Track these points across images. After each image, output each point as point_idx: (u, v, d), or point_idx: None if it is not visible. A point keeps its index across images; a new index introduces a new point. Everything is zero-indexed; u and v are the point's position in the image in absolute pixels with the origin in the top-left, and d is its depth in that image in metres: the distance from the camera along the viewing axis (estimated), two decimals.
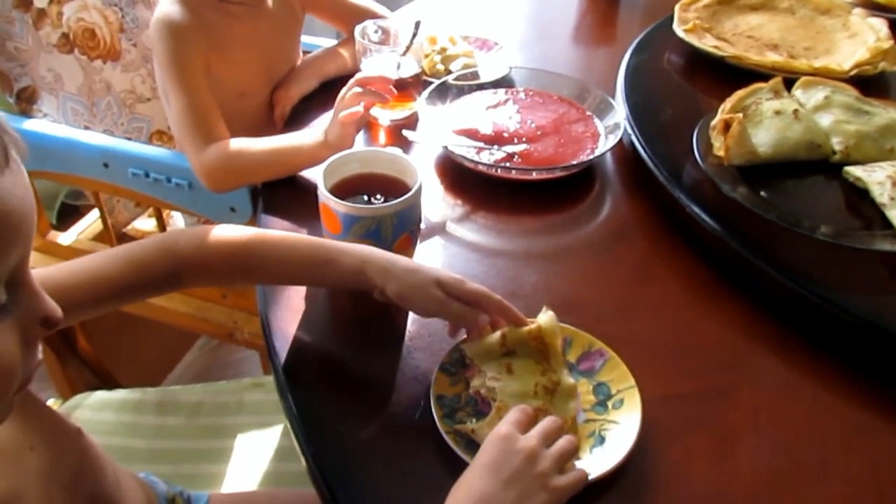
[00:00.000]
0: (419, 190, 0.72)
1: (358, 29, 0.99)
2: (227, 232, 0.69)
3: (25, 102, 1.13)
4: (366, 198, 0.74)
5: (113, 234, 1.21)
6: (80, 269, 0.64)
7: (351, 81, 0.88)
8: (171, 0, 0.97)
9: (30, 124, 1.12)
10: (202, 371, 1.72)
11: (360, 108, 0.85)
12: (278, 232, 0.70)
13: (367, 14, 1.13)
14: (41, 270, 0.60)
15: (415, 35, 0.96)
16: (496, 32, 1.22)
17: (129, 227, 1.33)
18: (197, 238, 0.68)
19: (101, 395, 1.02)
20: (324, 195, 0.70)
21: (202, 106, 0.94)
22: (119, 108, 1.26)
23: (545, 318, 0.64)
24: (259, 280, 0.73)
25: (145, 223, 1.32)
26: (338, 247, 0.66)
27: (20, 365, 0.43)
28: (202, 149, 0.92)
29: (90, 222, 1.33)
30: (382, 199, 0.73)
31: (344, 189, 0.74)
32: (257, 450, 0.96)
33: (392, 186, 0.75)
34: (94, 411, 1.00)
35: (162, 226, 1.17)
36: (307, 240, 0.68)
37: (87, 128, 1.23)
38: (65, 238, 1.28)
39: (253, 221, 1.01)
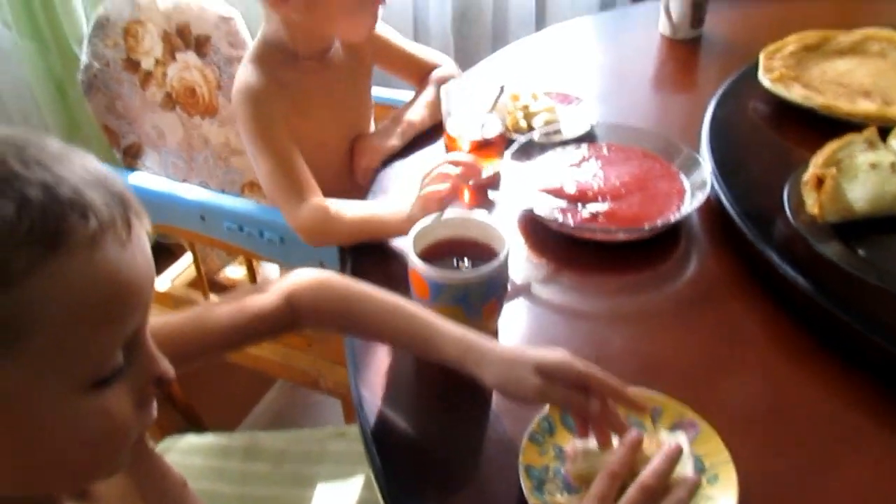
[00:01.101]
0: (506, 257, 0.73)
1: (443, 89, 1.02)
2: (341, 285, 0.73)
3: (131, 158, 1.20)
4: (454, 262, 0.76)
5: (206, 282, 1.27)
6: (195, 319, 0.68)
7: (440, 160, 0.91)
8: (249, 66, 1.03)
9: (134, 178, 1.19)
10: (280, 412, 1.76)
11: (445, 188, 0.87)
12: (383, 293, 0.71)
13: (431, 67, 1.20)
14: (156, 319, 0.63)
15: (499, 98, 0.98)
16: (577, 85, 1.23)
17: (221, 274, 1.38)
18: (314, 290, 0.72)
19: (190, 440, 1.06)
20: (413, 262, 0.72)
21: (290, 165, 0.98)
22: (215, 161, 1.32)
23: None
24: (360, 335, 0.76)
25: (236, 271, 1.38)
26: (438, 328, 0.67)
27: (135, 423, 0.46)
28: (296, 207, 0.96)
29: (183, 267, 1.40)
30: (470, 264, 0.75)
31: (432, 253, 0.76)
32: (339, 500, 0.98)
33: (479, 250, 0.76)
34: (184, 455, 1.04)
35: (252, 275, 1.22)
36: (409, 310, 0.70)
37: (185, 180, 1.29)
38: (159, 284, 1.34)
39: None
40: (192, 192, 1.14)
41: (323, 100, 1.09)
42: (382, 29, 1.16)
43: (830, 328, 0.75)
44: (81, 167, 0.44)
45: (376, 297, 0.71)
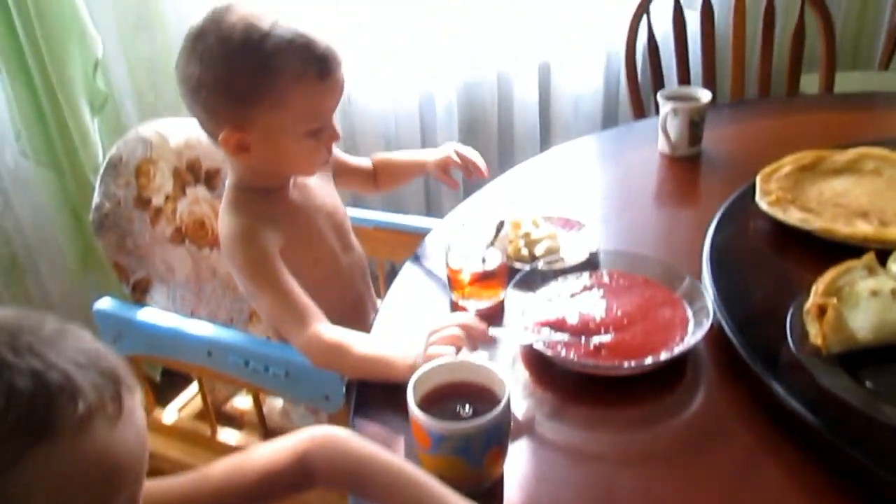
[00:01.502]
0: (507, 404, 0.72)
1: (443, 225, 1.04)
2: (354, 447, 0.72)
3: (140, 293, 1.22)
4: (456, 407, 0.75)
5: (213, 414, 1.26)
6: (205, 479, 0.68)
7: (449, 319, 0.91)
8: (227, 216, 1.07)
9: (142, 314, 1.20)
10: None
11: (450, 350, 0.87)
12: (391, 458, 0.72)
13: (369, 163, 1.33)
14: (165, 482, 0.63)
15: (497, 234, 1.00)
16: (579, 208, 1.25)
17: (228, 404, 1.38)
18: (327, 450, 0.72)
19: None
20: (413, 412, 0.71)
21: (289, 296, 1.00)
22: (223, 291, 1.34)
23: None
24: (367, 499, 0.74)
25: (244, 401, 1.37)
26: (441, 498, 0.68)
27: None
28: (301, 334, 0.98)
29: (190, 396, 1.40)
30: (471, 410, 0.74)
31: (433, 398, 0.76)
32: None
33: (481, 394, 0.76)
34: None
35: (259, 408, 1.21)
36: (416, 478, 0.70)
37: (193, 313, 1.31)
38: (167, 416, 1.34)
39: (345, 410, 1.04)
40: (199, 328, 1.15)
41: (304, 222, 1.13)
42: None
43: (844, 464, 0.73)
44: (74, 348, 0.45)
45: (387, 462, 0.71)
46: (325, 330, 0.97)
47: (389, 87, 2.19)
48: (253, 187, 1.09)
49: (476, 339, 0.90)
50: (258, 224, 1.05)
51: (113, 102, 1.82)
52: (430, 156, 1.29)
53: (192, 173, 1.30)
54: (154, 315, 1.19)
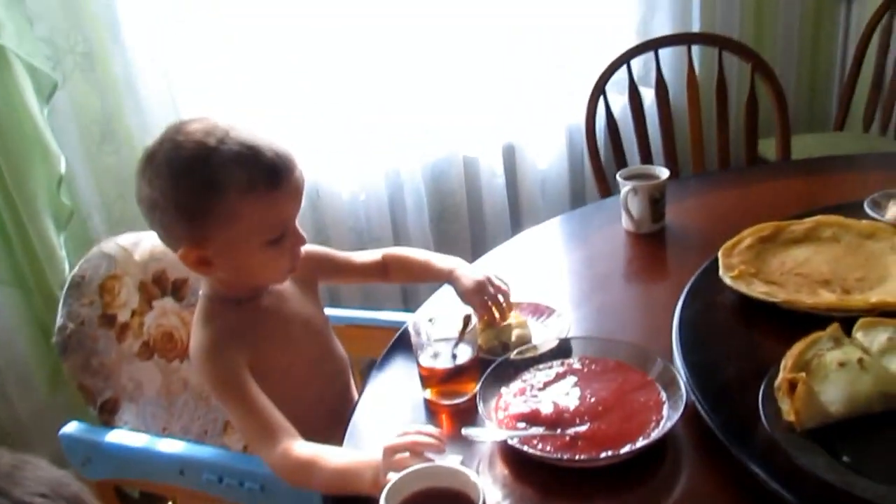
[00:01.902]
0: None
1: (411, 324, 1.04)
2: None
3: (108, 414, 1.20)
4: None
5: None
6: None
7: (398, 439, 0.88)
8: (199, 329, 1.07)
9: (111, 436, 1.17)
10: None
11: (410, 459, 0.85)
12: None
13: (380, 257, 1.29)
14: None
15: (465, 328, 1.00)
16: (550, 292, 1.26)
17: None
18: None
19: None
20: None
21: (259, 411, 0.99)
22: (195, 403, 1.31)
23: None
24: None
25: None
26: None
27: None
28: (272, 450, 0.96)
29: None
30: None
31: None
32: None
33: (457, 500, 0.74)
34: None
35: None
36: None
37: (165, 429, 1.28)
38: None
39: None
40: (169, 446, 1.12)
41: (276, 330, 1.12)
42: (316, 247, 1.23)
43: None
44: (35, 478, 0.45)
45: None
46: (294, 447, 0.96)
47: (357, 177, 2.22)
48: (225, 297, 1.09)
49: (432, 450, 0.88)
50: (227, 339, 1.04)
51: (79, 217, 1.83)
52: (447, 264, 1.24)
53: (159, 286, 1.29)
54: (122, 437, 1.17)
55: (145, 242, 1.30)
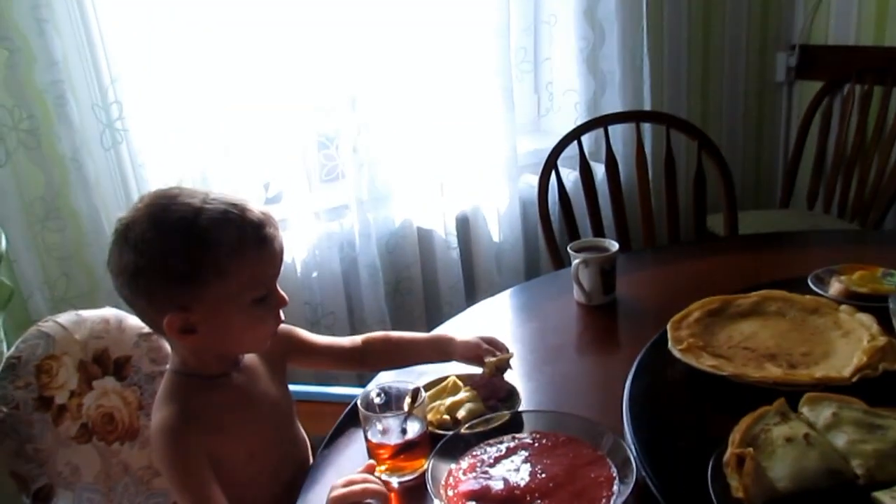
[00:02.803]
0: None
1: (360, 399, 1.02)
2: None
3: (42, 502, 1.14)
4: None
5: None
6: None
7: (345, 489, 0.89)
8: (162, 406, 1.03)
9: None
10: None
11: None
12: None
13: (355, 342, 1.26)
14: None
15: (413, 402, 0.98)
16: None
17: None
18: None
19: None
20: None
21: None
22: (136, 488, 1.26)
23: None
24: None
25: None
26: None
27: None
28: None
29: None
30: None
31: None
32: None
33: None
34: None
35: None
36: None
37: None
38: None
39: None
40: None
41: (244, 413, 1.08)
42: (290, 327, 1.20)
43: None
44: None
45: None
46: None
47: (312, 252, 2.21)
48: (194, 373, 1.05)
49: (379, 498, 0.88)
50: (189, 422, 1.01)
51: (20, 297, 1.78)
52: (437, 338, 1.26)
53: (100, 365, 1.25)
54: None
55: (87, 321, 1.26)
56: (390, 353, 1.27)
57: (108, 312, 1.30)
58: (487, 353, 1.19)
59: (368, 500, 0.89)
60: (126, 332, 1.29)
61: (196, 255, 0.96)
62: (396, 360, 1.28)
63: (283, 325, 1.11)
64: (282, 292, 1.06)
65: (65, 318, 1.24)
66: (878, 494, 0.81)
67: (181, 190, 1.00)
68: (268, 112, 2.10)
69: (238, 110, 2.04)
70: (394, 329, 2.36)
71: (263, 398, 1.12)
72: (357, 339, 1.27)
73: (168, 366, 1.08)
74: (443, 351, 1.23)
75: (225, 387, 1.07)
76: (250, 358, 1.13)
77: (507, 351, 1.20)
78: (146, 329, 1.31)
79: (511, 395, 1.14)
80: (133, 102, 1.87)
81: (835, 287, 1.32)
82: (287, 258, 2.13)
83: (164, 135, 1.93)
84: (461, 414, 1.09)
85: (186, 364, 1.05)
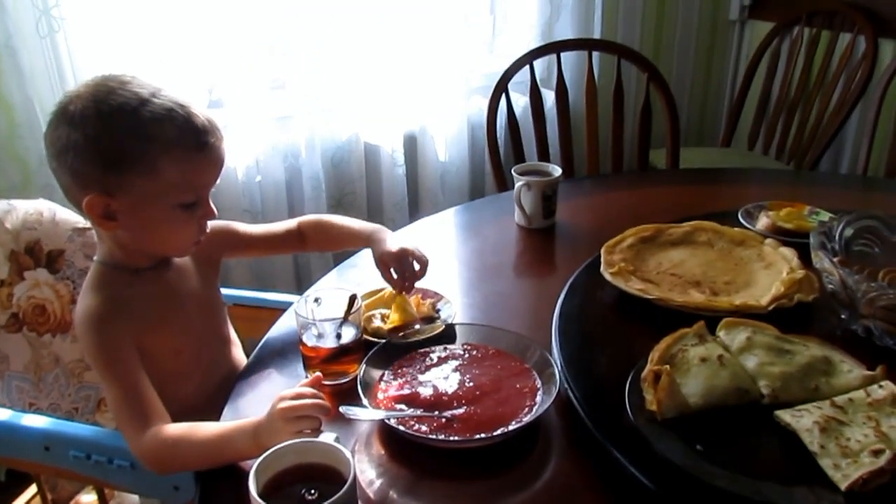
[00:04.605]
0: (353, 484, 0.72)
1: (296, 304, 1.03)
2: None
3: None
4: (301, 491, 0.74)
5: None
6: None
7: (295, 401, 0.88)
8: (88, 294, 1.02)
9: None
10: None
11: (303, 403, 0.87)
12: None
13: (294, 224, 1.28)
14: None
15: (350, 309, 1.00)
16: (439, 281, 1.27)
17: (73, 501, 1.28)
18: None
19: None
20: (254, 501, 0.69)
21: (136, 392, 0.96)
22: (67, 380, 1.26)
23: None
24: None
25: (89, 496, 1.28)
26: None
27: None
28: (140, 434, 0.93)
29: (31, 495, 1.29)
30: (317, 494, 0.73)
31: (278, 483, 0.75)
32: None
33: (328, 476, 0.75)
34: None
35: (104, 502, 1.14)
36: None
37: (31, 405, 1.22)
38: None
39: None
40: (34, 421, 1.07)
41: (170, 309, 1.08)
42: (220, 222, 1.17)
43: None
44: None
45: None
46: (165, 428, 0.94)
47: (255, 160, 2.17)
48: (121, 265, 1.04)
49: (325, 417, 0.89)
50: (117, 310, 1.00)
51: None
52: (369, 227, 1.25)
53: (32, 256, 1.23)
54: None
55: (20, 210, 1.24)
56: (323, 237, 1.30)
57: (42, 204, 1.27)
58: (399, 273, 1.16)
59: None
60: (60, 226, 1.27)
61: (129, 143, 0.94)
62: (330, 244, 1.34)
63: (218, 222, 1.11)
64: (212, 205, 1.05)
65: None
66: (780, 413, 0.87)
67: (134, 79, 0.97)
68: (216, 13, 2.02)
69: (185, 6, 1.96)
70: None
71: (192, 295, 1.12)
72: (292, 223, 1.29)
73: (95, 257, 1.06)
74: (362, 244, 1.26)
75: (151, 281, 1.07)
76: (180, 263, 1.12)
77: (425, 271, 1.17)
78: (81, 223, 1.29)
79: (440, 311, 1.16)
80: None
81: (762, 222, 1.37)
82: (230, 161, 2.10)
83: (105, 26, 1.85)
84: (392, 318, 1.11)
85: (113, 256, 1.04)
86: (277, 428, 0.85)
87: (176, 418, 0.97)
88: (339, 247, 1.32)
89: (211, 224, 1.08)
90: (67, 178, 0.98)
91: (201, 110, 1.00)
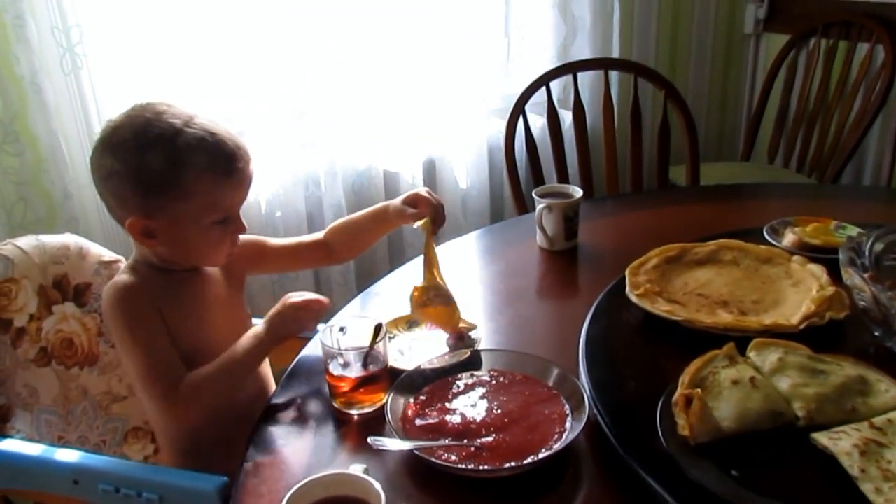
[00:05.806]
0: None
1: (323, 331, 1.03)
2: None
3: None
4: None
5: None
6: None
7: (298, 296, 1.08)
8: (122, 274, 1.12)
9: (1, 445, 1.11)
10: None
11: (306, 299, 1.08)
12: None
13: (319, 237, 1.34)
14: None
15: (375, 338, 1.00)
16: (463, 306, 1.26)
17: None
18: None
19: None
20: None
21: (164, 359, 1.06)
22: (95, 412, 1.27)
23: None
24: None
25: None
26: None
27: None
28: (172, 395, 1.03)
29: None
30: None
31: None
32: None
33: None
34: None
35: None
36: None
37: (60, 438, 1.23)
38: None
39: None
40: (63, 455, 1.08)
41: (196, 308, 1.16)
42: (248, 236, 1.23)
43: None
44: None
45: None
46: (189, 375, 1.04)
47: (277, 188, 2.19)
48: (155, 265, 1.13)
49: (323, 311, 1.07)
50: (144, 289, 1.09)
51: None
52: (385, 203, 1.30)
53: (60, 290, 1.24)
54: (13, 445, 1.11)
55: (47, 246, 1.25)
56: (346, 236, 1.34)
57: (69, 239, 1.29)
58: (422, 208, 1.22)
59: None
60: (86, 260, 1.28)
61: (166, 172, 1.04)
62: (355, 239, 1.36)
63: (248, 236, 1.20)
64: (242, 220, 1.13)
65: (24, 241, 1.23)
66: (816, 435, 0.86)
67: (169, 107, 1.07)
68: (235, 45, 2.05)
69: (204, 40, 1.99)
70: (356, 268, 2.37)
71: (217, 302, 1.19)
72: (319, 234, 1.35)
73: (132, 254, 1.15)
74: (384, 219, 1.29)
75: (182, 281, 1.15)
76: (210, 274, 1.20)
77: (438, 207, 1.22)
78: (106, 257, 1.31)
79: (471, 337, 1.16)
80: (94, 26, 1.82)
81: (788, 238, 1.36)
82: (251, 195, 2.11)
83: (127, 61, 1.88)
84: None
85: (146, 259, 1.13)
86: (288, 315, 1.06)
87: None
88: (363, 237, 1.36)
89: (242, 238, 1.17)
90: (111, 201, 1.08)
91: (230, 136, 1.09)
